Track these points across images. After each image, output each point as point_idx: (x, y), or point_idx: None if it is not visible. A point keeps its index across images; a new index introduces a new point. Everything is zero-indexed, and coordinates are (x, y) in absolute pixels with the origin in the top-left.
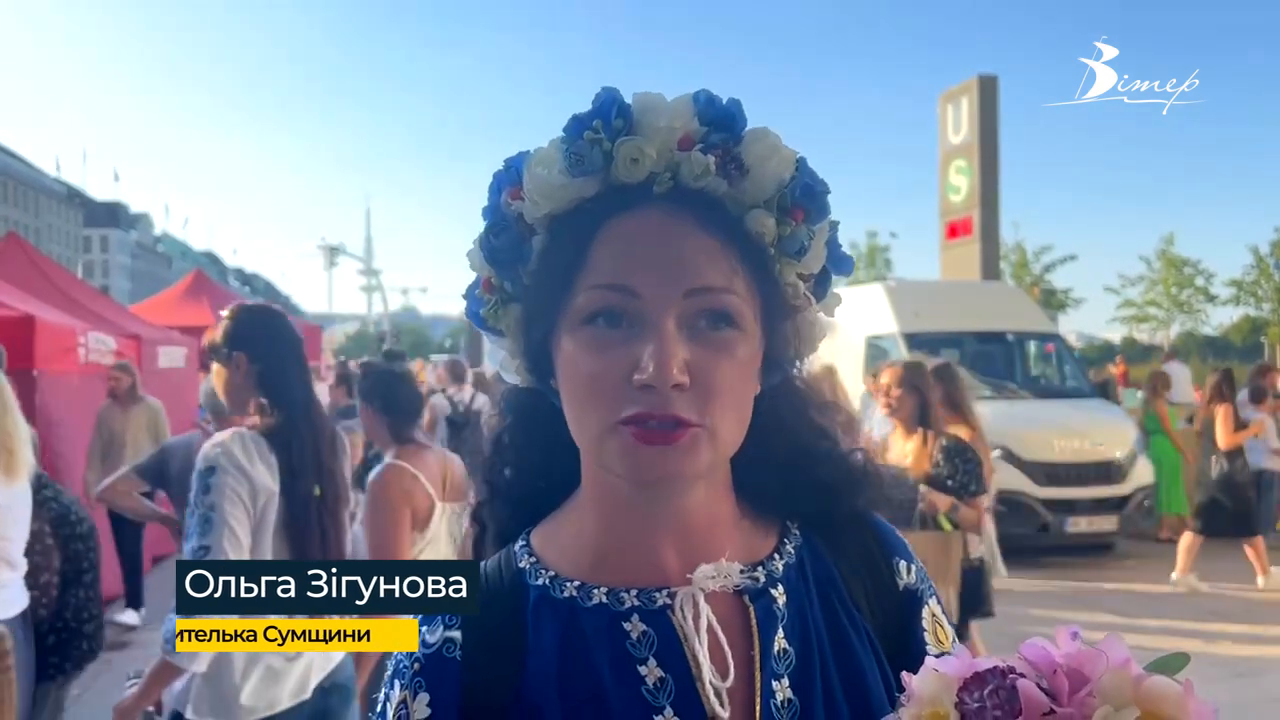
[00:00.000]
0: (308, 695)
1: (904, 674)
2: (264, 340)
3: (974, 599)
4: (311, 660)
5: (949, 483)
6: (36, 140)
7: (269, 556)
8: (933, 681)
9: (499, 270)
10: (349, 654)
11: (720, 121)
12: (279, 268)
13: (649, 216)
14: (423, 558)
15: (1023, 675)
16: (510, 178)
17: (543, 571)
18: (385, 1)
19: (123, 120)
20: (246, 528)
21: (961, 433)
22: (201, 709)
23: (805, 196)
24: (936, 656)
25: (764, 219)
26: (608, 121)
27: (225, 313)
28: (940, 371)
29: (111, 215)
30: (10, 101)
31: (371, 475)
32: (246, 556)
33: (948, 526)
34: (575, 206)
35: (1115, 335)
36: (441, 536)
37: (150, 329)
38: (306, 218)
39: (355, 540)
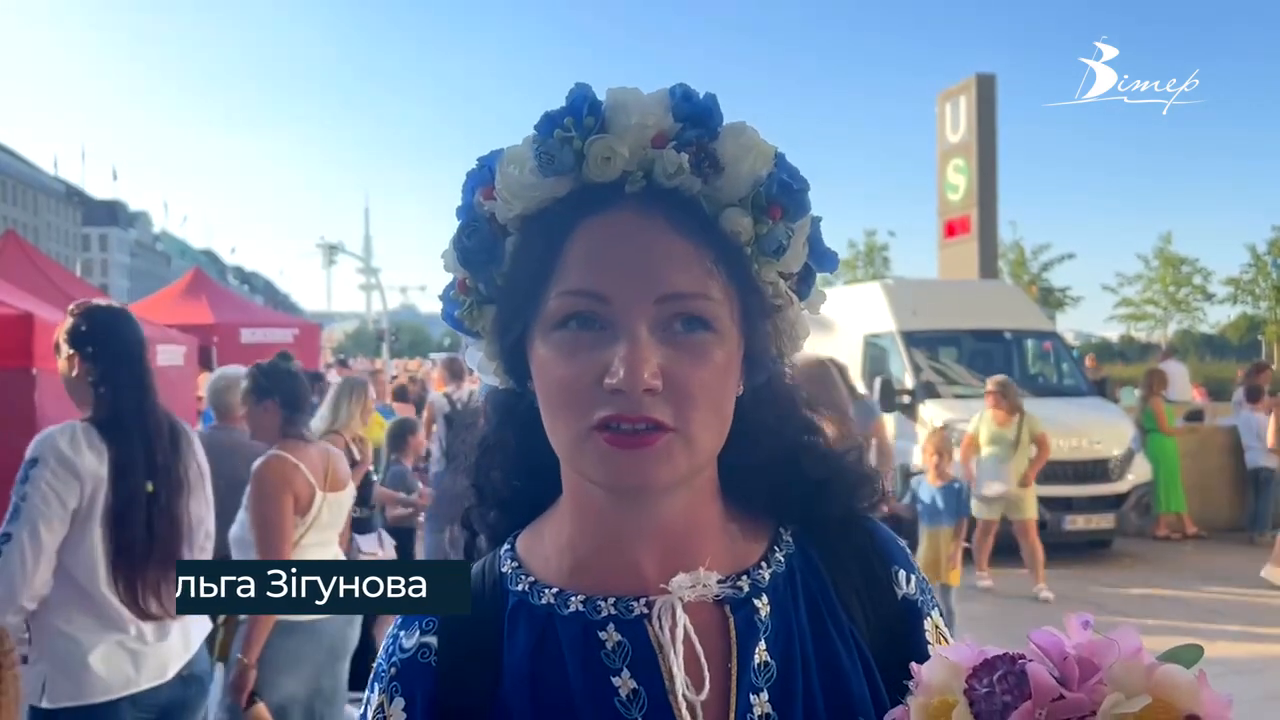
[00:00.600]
0: (167, 679)
1: (913, 664)
2: (102, 339)
3: None
4: (172, 646)
5: None
6: (35, 138)
7: (98, 544)
8: (942, 670)
9: (473, 271)
10: (205, 645)
11: (696, 117)
12: (278, 266)
13: (621, 218)
14: (304, 542)
15: (1032, 661)
16: (483, 177)
17: (523, 577)
18: (385, 2)
19: (121, 118)
20: (57, 519)
21: (829, 433)
22: (55, 694)
23: (782, 193)
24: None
25: (739, 218)
26: (579, 119)
27: (71, 308)
28: (810, 372)
29: (110, 213)
30: (9, 99)
31: (255, 464)
32: (49, 549)
33: None
34: (547, 207)
35: (1113, 334)
36: (324, 522)
37: (149, 327)
38: (305, 216)
39: (243, 525)
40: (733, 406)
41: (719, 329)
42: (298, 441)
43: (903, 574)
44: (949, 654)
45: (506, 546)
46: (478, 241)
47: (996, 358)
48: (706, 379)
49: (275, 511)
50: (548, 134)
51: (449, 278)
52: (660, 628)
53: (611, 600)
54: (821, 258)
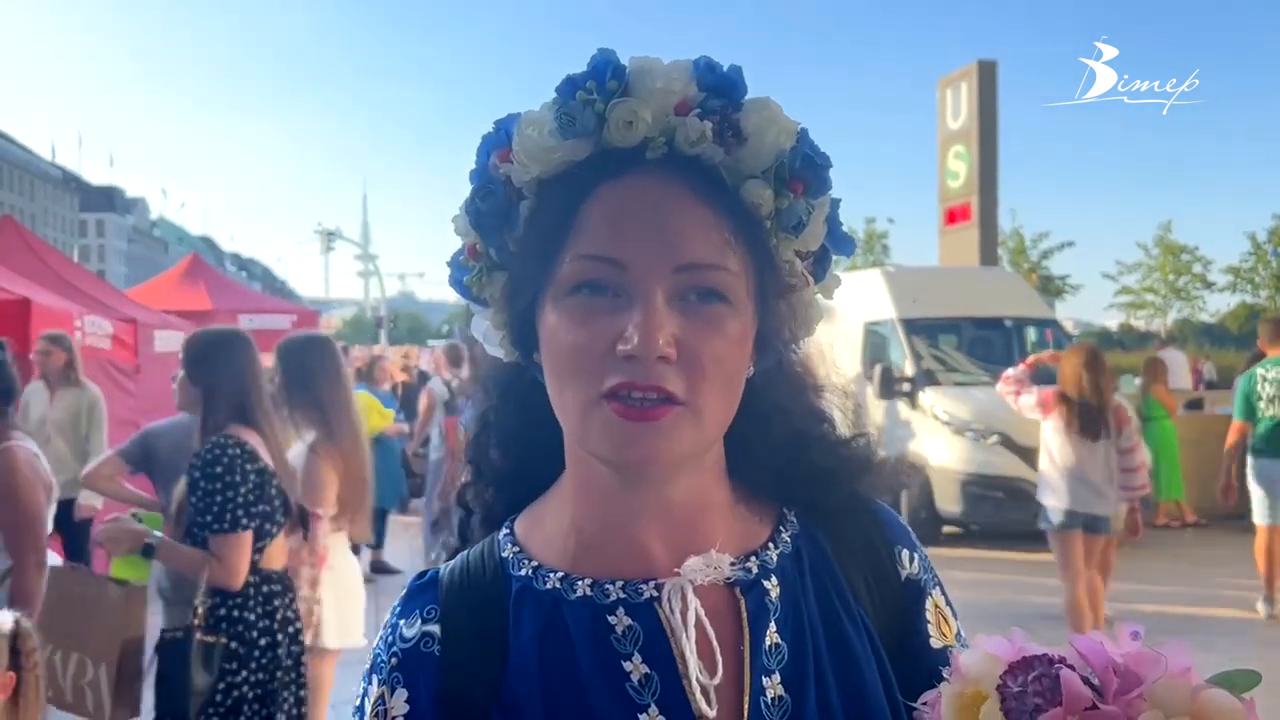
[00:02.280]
0: None
1: (953, 651)
2: None
3: (170, 696)
4: None
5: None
6: (32, 124)
7: None
8: (981, 661)
9: (485, 236)
10: None
11: (719, 88)
12: (276, 252)
13: (641, 184)
14: None
15: (1071, 666)
16: (499, 139)
17: (526, 562)
18: None
19: (119, 104)
20: None
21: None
22: None
23: (805, 168)
24: (941, 650)
25: (761, 190)
26: (602, 82)
27: None
28: (288, 349)
29: (107, 199)
30: (6, 85)
31: None
32: None
33: (130, 573)
34: (565, 171)
35: (1112, 322)
36: None
37: (147, 313)
38: (303, 202)
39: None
40: (742, 384)
41: (734, 302)
42: (19, 431)
43: (906, 554)
44: (989, 646)
45: (505, 531)
46: (492, 205)
47: (997, 345)
48: (720, 351)
49: (36, 502)
50: (569, 96)
51: (447, 266)
52: (671, 611)
53: (620, 584)
54: (840, 241)
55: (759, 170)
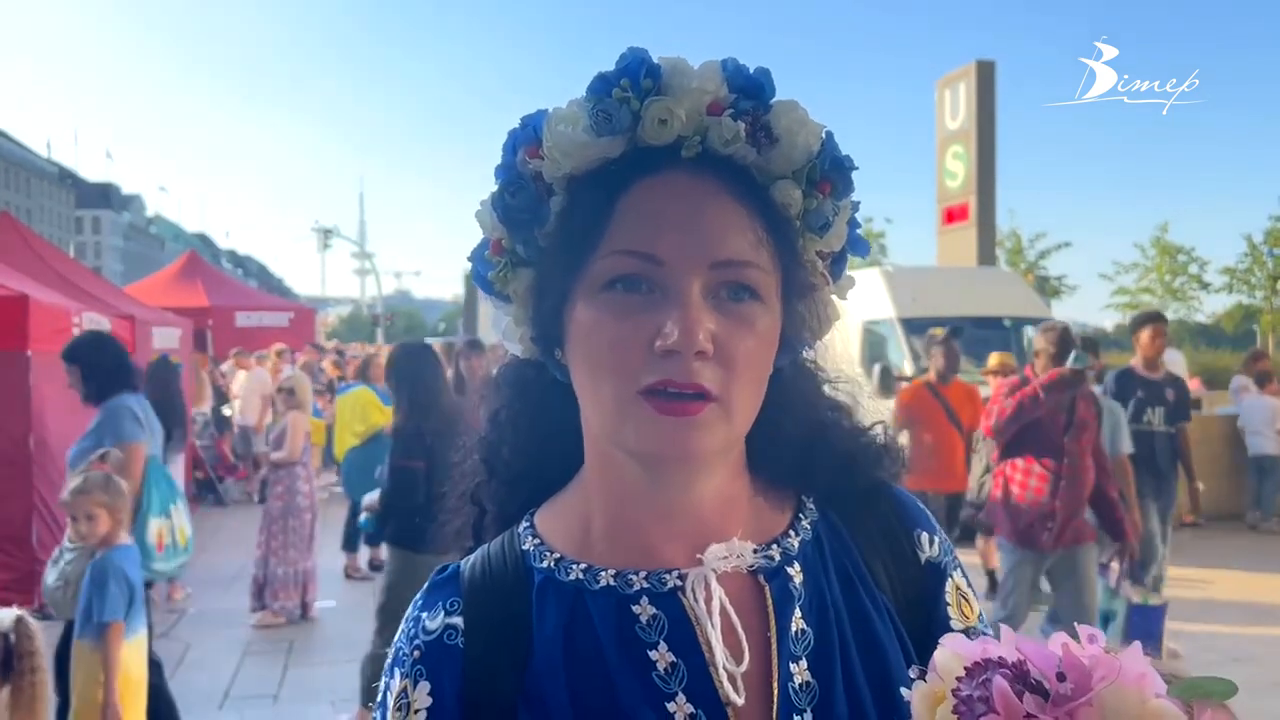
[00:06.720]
0: None
1: (940, 641)
2: None
3: None
4: None
5: None
6: (28, 120)
7: None
8: (948, 661)
9: (512, 231)
10: None
11: (749, 89)
12: (272, 250)
13: (675, 181)
14: None
15: (1025, 671)
16: (527, 136)
17: (548, 554)
18: None
19: (115, 102)
20: None
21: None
22: None
23: (834, 170)
24: (963, 632)
25: (791, 190)
26: (636, 81)
27: None
28: None
29: (104, 196)
30: (2, 82)
31: None
32: None
33: None
34: (597, 168)
35: (1109, 322)
36: None
37: (145, 310)
38: (301, 201)
39: None
40: (768, 380)
41: (765, 300)
42: None
43: (925, 536)
44: (956, 645)
45: (525, 524)
46: (522, 200)
47: (995, 345)
48: (752, 348)
49: None
50: (604, 93)
51: (442, 264)
52: (695, 599)
53: (643, 573)
54: (857, 243)
55: (789, 171)
